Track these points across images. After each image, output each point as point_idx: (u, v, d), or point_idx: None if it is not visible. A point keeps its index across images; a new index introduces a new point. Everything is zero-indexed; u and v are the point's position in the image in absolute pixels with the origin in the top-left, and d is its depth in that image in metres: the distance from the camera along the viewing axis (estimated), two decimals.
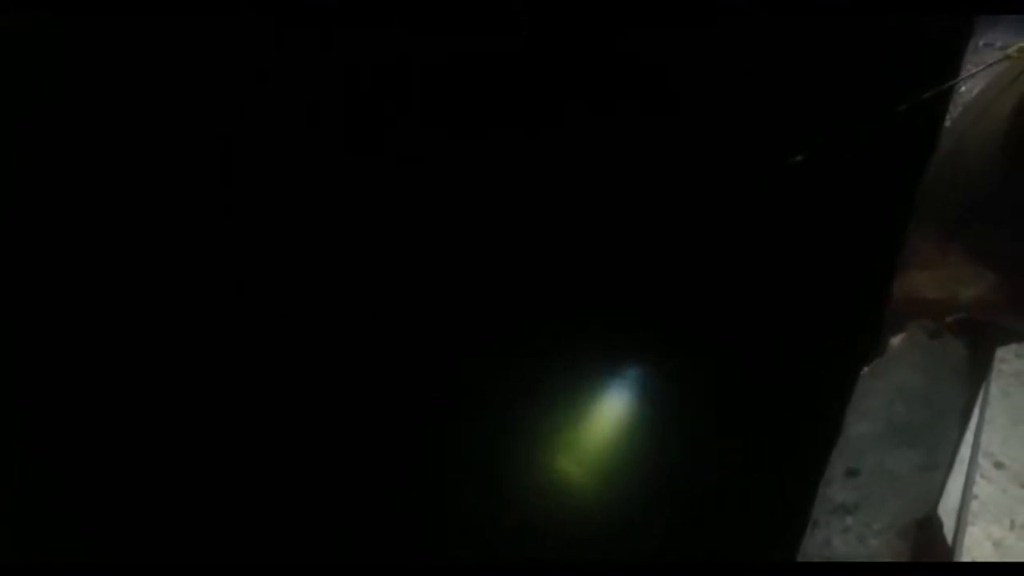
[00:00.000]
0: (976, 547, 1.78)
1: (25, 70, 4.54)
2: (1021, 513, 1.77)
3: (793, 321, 3.23)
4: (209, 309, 3.81)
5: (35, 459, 3.40)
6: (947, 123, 3.39)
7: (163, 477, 3.31)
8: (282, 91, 4.66)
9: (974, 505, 1.84)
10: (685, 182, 3.88)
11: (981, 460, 1.92)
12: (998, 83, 3.28)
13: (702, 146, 3.98)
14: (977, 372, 2.44)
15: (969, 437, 2.17)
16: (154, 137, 4.41)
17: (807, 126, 3.73)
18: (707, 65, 4.27)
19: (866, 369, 2.80)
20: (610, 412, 3.40)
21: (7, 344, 3.68)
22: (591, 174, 4.07)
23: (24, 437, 3.44)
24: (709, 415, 3.12)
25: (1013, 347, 2.04)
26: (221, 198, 4.20)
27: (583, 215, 3.90)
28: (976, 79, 3.41)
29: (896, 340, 2.84)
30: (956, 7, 3.66)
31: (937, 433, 2.50)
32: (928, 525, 2.32)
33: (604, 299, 3.62)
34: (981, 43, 3.54)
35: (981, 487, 1.87)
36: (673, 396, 3.32)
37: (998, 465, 1.88)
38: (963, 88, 3.44)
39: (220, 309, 3.81)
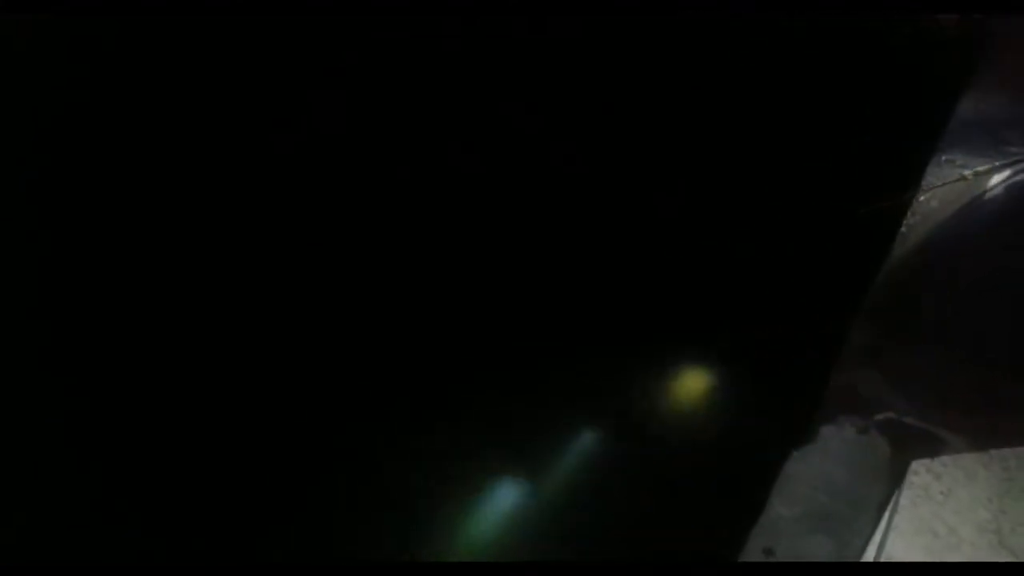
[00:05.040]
0: None
1: (25, 70, 4.55)
2: None
3: (729, 402, 3.36)
4: (194, 308, 3.83)
5: (30, 459, 3.39)
6: (903, 228, 3.58)
7: (143, 478, 3.31)
8: (282, 92, 4.71)
9: None
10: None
11: (883, 560, 2.06)
12: (953, 200, 3.49)
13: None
14: (895, 474, 2.59)
15: (877, 536, 2.31)
16: (154, 137, 4.43)
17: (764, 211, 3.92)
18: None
19: (795, 453, 2.94)
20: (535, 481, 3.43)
21: (6, 344, 3.68)
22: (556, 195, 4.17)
23: (22, 436, 3.42)
24: (638, 482, 3.22)
25: (926, 462, 2.19)
26: (216, 199, 4.22)
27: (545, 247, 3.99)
28: (934, 191, 3.61)
29: (826, 429, 2.99)
30: (956, 6, 3.79)
31: (851, 526, 2.65)
32: None
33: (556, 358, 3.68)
34: (944, 158, 3.74)
35: None
36: (603, 461, 3.39)
37: None
38: (922, 198, 3.64)
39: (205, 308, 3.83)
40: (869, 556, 2.29)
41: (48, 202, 4.21)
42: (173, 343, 3.72)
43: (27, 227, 4.08)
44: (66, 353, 3.69)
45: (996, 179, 3.45)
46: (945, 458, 2.21)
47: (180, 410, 3.48)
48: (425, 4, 4.82)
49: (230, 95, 4.55)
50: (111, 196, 4.22)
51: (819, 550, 2.65)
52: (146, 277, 3.93)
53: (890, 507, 2.30)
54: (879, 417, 2.98)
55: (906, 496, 2.12)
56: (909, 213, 3.59)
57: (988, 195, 3.43)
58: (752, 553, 2.67)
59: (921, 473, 2.16)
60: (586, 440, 3.46)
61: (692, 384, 3.43)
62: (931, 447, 2.67)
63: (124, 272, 3.94)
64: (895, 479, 2.55)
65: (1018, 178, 3.35)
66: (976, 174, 3.46)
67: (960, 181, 3.48)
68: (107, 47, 4.59)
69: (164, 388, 3.54)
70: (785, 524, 2.74)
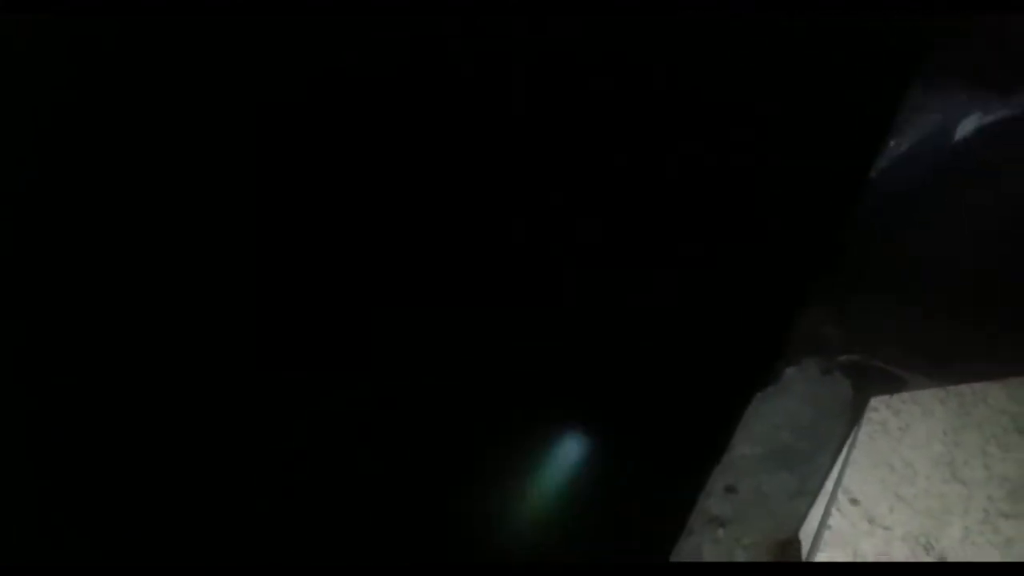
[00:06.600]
0: None
1: (25, 70, 4.41)
2: (863, 546, 1.96)
3: (694, 342, 3.38)
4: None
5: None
6: (871, 174, 3.59)
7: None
8: (282, 93, 4.58)
9: (826, 534, 2.02)
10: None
11: (840, 495, 2.10)
12: (922, 145, 3.51)
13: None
14: (855, 412, 2.64)
15: (835, 472, 2.36)
16: (155, 138, 4.31)
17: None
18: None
19: (758, 394, 2.98)
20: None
21: (5, 345, 3.61)
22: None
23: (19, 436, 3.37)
24: (600, 414, 3.25)
25: (885, 398, 2.22)
26: (212, 200, 4.14)
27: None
28: (904, 137, 3.61)
29: (790, 370, 3.03)
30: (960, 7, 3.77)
31: (812, 464, 2.70)
32: (790, 546, 2.52)
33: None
34: (915, 104, 3.74)
35: (835, 519, 2.05)
36: (567, 394, 3.40)
37: (853, 501, 2.07)
38: (892, 143, 3.64)
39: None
40: (827, 490, 2.34)
41: (48, 202, 4.12)
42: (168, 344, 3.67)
43: (27, 227, 4.00)
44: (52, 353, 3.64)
45: (967, 124, 3.45)
46: (904, 395, 2.25)
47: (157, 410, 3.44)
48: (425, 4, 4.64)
49: (232, 95, 4.42)
50: (111, 196, 4.14)
51: (780, 487, 2.71)
52: (145, 277, 3.87)
53: (848, 442, 2.35)
54: (842, 359, 3.02)
55: (864, 431, 2.16)
56: (877, 158, 3.60)
57: (958, 139, 3.44)
58: (715, 489, 2.72)
59: (880, 409, 2.19)
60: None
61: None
62: (891, 385, 2.72)
63: (123, 272, 3.88)
64: (856, 416, 2.59)
65: (988, 122, 3.37)
66: (947, 120, 3.46)
67: (931, 126, 3.49)
68: (107, 47, 4.47)
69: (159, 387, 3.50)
70: (747, 462, 2.79)
